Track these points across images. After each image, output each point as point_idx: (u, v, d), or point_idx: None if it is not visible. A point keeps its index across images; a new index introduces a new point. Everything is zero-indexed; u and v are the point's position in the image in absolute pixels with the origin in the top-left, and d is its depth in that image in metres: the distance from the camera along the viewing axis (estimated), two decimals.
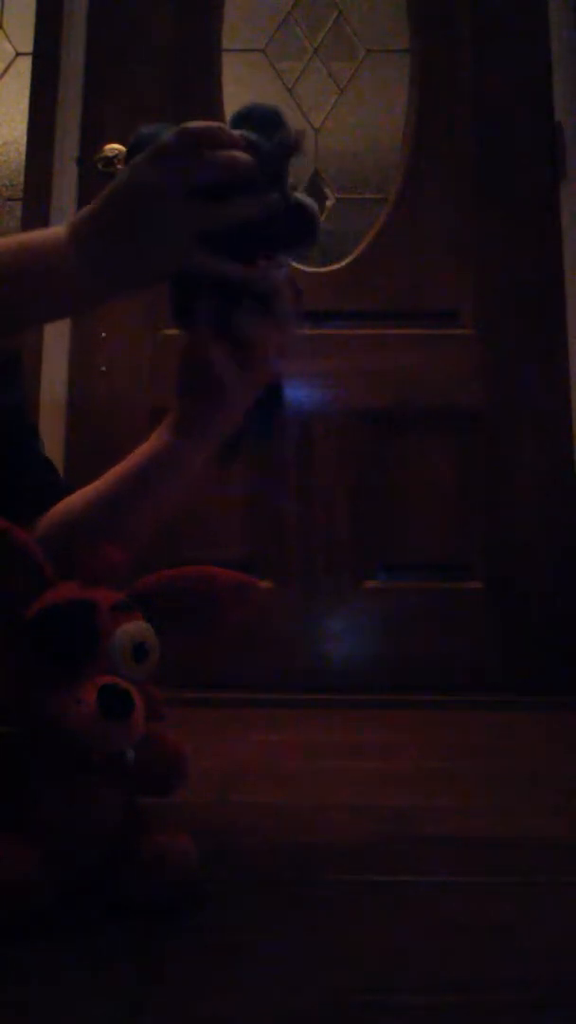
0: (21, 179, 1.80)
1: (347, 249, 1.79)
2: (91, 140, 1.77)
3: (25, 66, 1.84)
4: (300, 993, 0.45)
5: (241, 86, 1.84)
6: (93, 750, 0.54)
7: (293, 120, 0.64)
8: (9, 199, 1.85)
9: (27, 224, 1.76)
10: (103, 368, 1.72)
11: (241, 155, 0.61)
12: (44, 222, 1.75)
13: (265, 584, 1.65)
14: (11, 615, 0.58)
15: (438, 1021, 0.42)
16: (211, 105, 1.81)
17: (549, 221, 1.76)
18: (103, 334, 1.73)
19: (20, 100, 1.83)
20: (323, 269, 1.78)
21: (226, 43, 1.84)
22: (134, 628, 0.57)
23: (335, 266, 1.78)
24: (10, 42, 1.90)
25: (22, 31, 1.87)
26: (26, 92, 1.81)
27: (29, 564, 0.59)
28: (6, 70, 1.89)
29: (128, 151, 0.67)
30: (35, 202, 1.76)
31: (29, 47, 1.83)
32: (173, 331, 1.74)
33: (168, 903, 0.55)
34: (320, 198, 1.82)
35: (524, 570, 1.66)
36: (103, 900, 0.55)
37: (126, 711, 0.53)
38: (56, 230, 0.64)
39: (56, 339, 1.72)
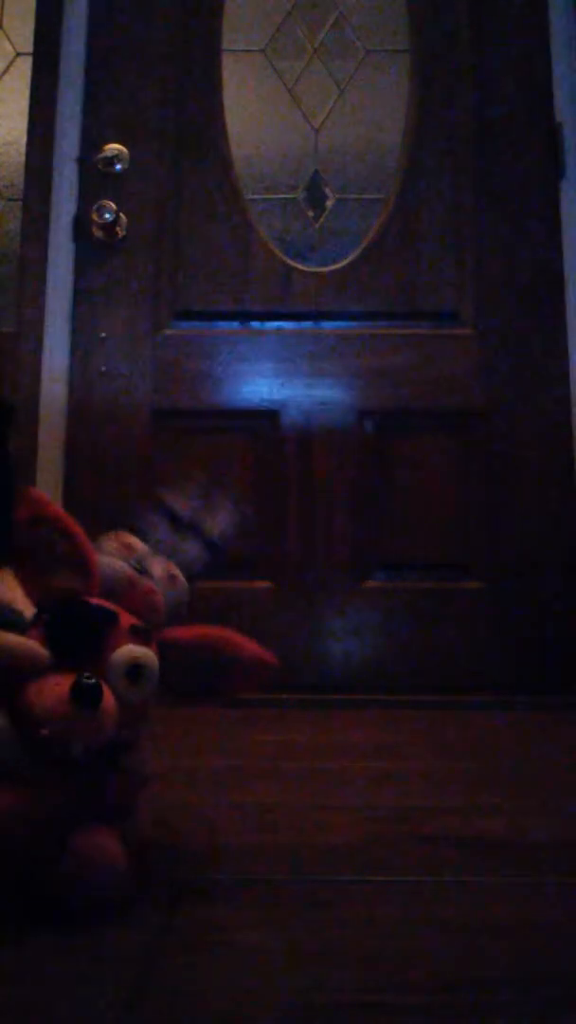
0: (21, 179, 1.80)
1: (347, 249, 1.79)
2: (91, 140, 1.77)
3: (25, 66, 1.84)
4: (300, 993, 0.45)
5: (241, 86, 1.84)
6: (51, 733, 0.55)
7: None
8: (9, 199, 1.85)
9: (27, 224, 1.76)
10: (103, 368, 1.72)
11: None
12: (44, 222, 1.75)
13: (265, 584, 1.65)
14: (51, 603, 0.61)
15: (438, 1021, 0.42)
16: (211, 105, 1.81)
17: (549, 221, 1.76)
18: (103, 334, 1.73)
19: (20, 100, 1.83)
20: (323, 269, 1.78)
21: (226, 43, 1.84)
22: (136, 651, 0.59)
23: (335, 266, 1.78)
24: (10, 42, 1.90)
25: (22, 31, 1.87)
26: (26, 92, 1.81)
27: (80, 564, 0.62)
28: (6, 70, 1.89)
29: None
30: (35, 202, 1.76)
31: (29, 47, 1.83)
32: (173, 331, 1.75)
33: (86, 905, 0.56)
34: (320, 198, 1.82)
35: (524, 570, 1.66)
36: (30, 894, 0.55)
37: (93, 702, 0.55)
38: None
39: (56, 339, 1.72)
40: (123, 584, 0.64)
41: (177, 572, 0.71)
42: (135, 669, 0.58)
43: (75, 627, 0.58)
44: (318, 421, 1.71)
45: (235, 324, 1.75)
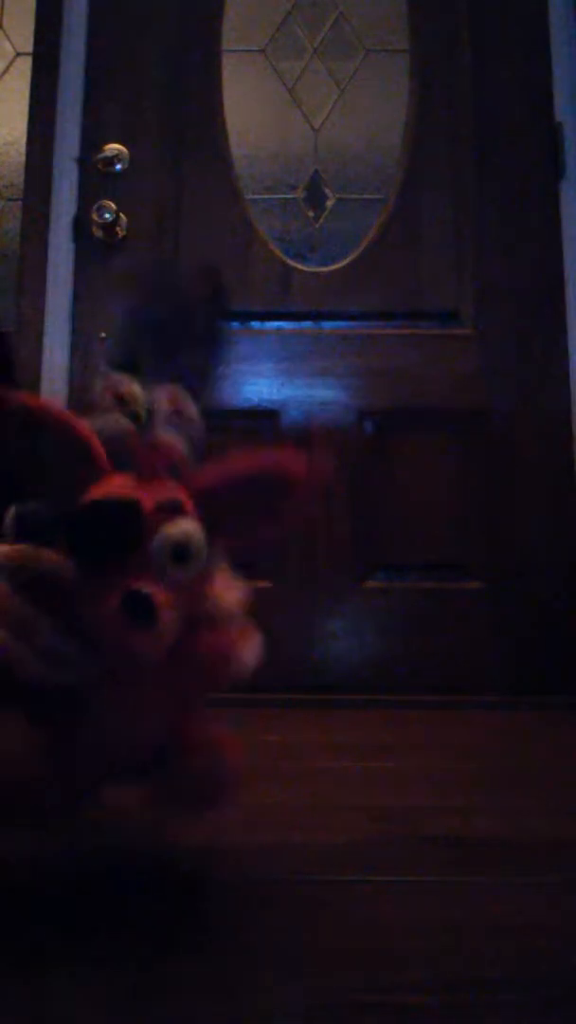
0: (21, 179, 1.80)
1: (347, 249, 1.79)
2: (91, 140, 1.78)
3: (25, 66, 1.84)
4: (300, 993, 0.45)
5: (241, 86, 1.84)
6: (112, 655, 0.52)
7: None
8: (9, 199, 1.85)
9: (27, 224, 1.76)
10: (103, 368, 1.72)
11: None
12: (44, 222, 1.75)
13: (265, 584, 1.65)
14: (63, 507, 0.55)
15: (438, 1021, 0.42)
16: (211, 105, 1.81)
17: (549, 221, 1.76)
18: (103, 334, 1.73)
19: (20, 100, 1.83)
20: (323, 269, 1.78)
21: (226, 43, 1.84)
22: (176, 531, 0.53)
23: (335, 266, 1.78)
24: (10, 42, 1.90)
25: (22, 31, 1.87)
26: (26, 92, 1.81)
27: (81, 453, 0.56)
28: (6, 70, 1.89)
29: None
30: (35, 202, 1.76)
31: (29, 47, 1.83)
32: None
33: (205, 800, 0.55)
34: (320, 198, 1.82)
35: (524, 570, 1.66)
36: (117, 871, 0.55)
37: (148, 615, 0.50)
38: None
39: (56, 339, 1.72)
40: (131, 444, 0.58)
41: (186, 405, 0.63)
42: (179, 551, 0.52)
43: (98, 531, 0.52)
44: (318, 421, 1.71)
45: (235, 324, 1.75)
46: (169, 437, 0.60)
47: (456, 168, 1.79)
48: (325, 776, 0.98)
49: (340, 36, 1.86)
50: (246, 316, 1.75)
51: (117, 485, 0.54)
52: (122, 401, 0.63)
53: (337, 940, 0.52)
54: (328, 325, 1.75)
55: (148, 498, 0.53)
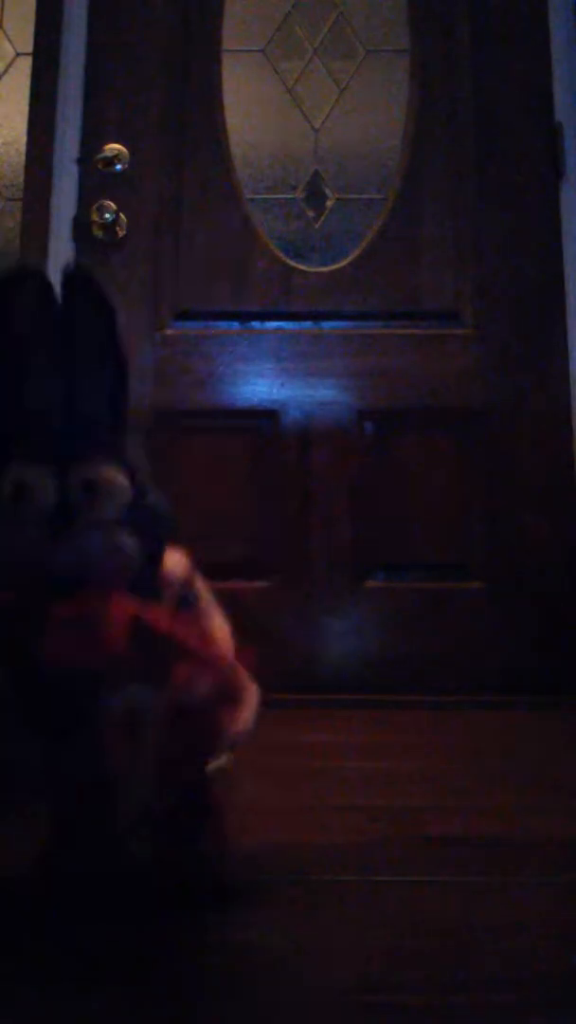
0: (21, 179, 1.80)
1: (347, 249, 1.79)
2: (91, 140, 1.77)
3: (25, 66, 1.84)
4: (300, 992, 0.45)
5: (241, 86, 1.84)
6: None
7: None
8: (9, 199, 1.85)
9: (27, 224, 1.76)
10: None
11: None
12: (44, 222, 1.75)
13: (265, 584, 1.65)
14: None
15: (438, 1021, 0.42)
16: (211, 105, 1.81)
17: (549, 221, 1.76)
18: None
19: (20, 100, 1.83)
20: (323, 269, 1.78)
21: (226, 43, 1.84)
22: (123, 705, 0.52)
23: (335, 266, 1.78)
24: (10, 42, 1.90)
25: (22, 31, 1.87)
26: (26, 92, 1.81)
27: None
28: (6, 70, 1.89)
29: None
30: (35, 202, 1.76)
31: (29, 47, 1.83)
32: (173, 331, 1.75)
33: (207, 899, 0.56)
34: (320, 198, 1.82)
35: (524, 570, 1.66)
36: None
37: (112, 797, 0.51)
38: None
39: None
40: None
41: (114, 480, 0.53)
42: (130, 724, 0.51)
43: (52, 709, 0.51)
44: (318, 421, 1.71)
45: (235, 324, 1.75)
46: (108, 549, 0.52)
47: (456, 168, 1.79)
48: (325, 776, 0.98)
49: (340, 36, 1.86)
50: (246, 316, 1.75)
51: (56, 651, 0.50)
52: (22, 495, 0.51)
53: (336, 940, 0.52)
54: (328, 325, 1.75)
55: (96, 657, 0.50)
